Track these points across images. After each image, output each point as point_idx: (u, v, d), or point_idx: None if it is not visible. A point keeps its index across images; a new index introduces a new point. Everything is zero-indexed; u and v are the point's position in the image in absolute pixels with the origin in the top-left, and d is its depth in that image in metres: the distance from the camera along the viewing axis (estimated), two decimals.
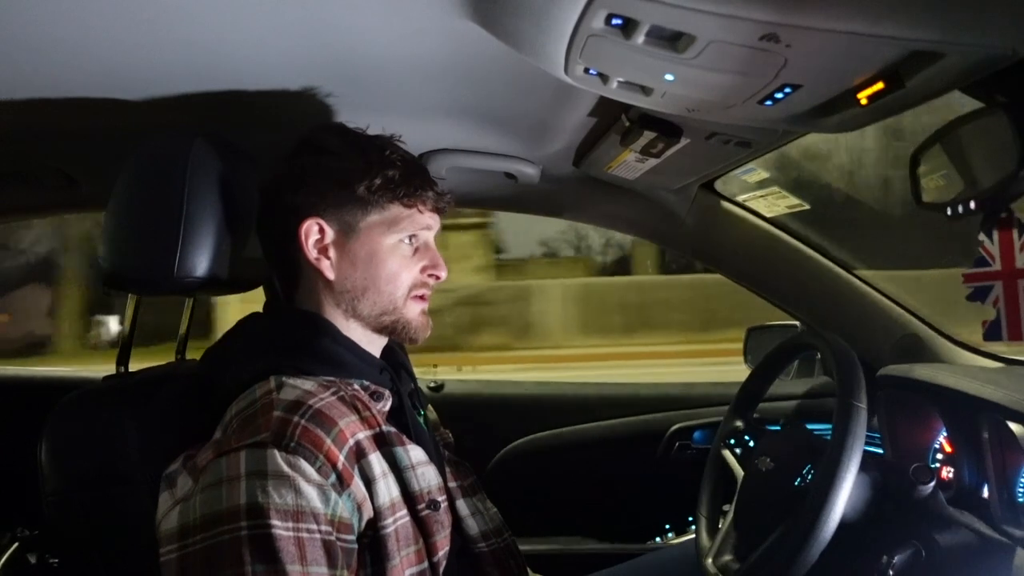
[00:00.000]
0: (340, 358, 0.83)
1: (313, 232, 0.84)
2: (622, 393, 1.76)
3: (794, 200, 1.34)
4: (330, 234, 0.84)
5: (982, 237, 0.83)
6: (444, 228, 0.95)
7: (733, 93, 0.76)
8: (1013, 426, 0.90)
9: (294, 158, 0.87)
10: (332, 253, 0.85)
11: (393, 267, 0.86)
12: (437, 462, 0.87)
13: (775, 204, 1.38)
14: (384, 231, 0.85)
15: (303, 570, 0.65)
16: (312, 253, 0.84)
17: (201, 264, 0.84)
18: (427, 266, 0.88)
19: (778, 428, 1.11)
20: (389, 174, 0.84)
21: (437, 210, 0.90)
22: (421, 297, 0.89)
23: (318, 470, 0.69)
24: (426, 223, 0.88)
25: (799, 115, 0.81)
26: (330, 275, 0.84)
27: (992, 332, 0.83)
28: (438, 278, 0.89)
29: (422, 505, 0.80)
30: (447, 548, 0.82)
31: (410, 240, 0.87)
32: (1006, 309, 0.82)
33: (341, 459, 0.72)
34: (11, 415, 1.28)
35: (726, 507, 1.08)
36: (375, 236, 0.85)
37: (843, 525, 0.83)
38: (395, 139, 0.89)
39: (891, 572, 0.86)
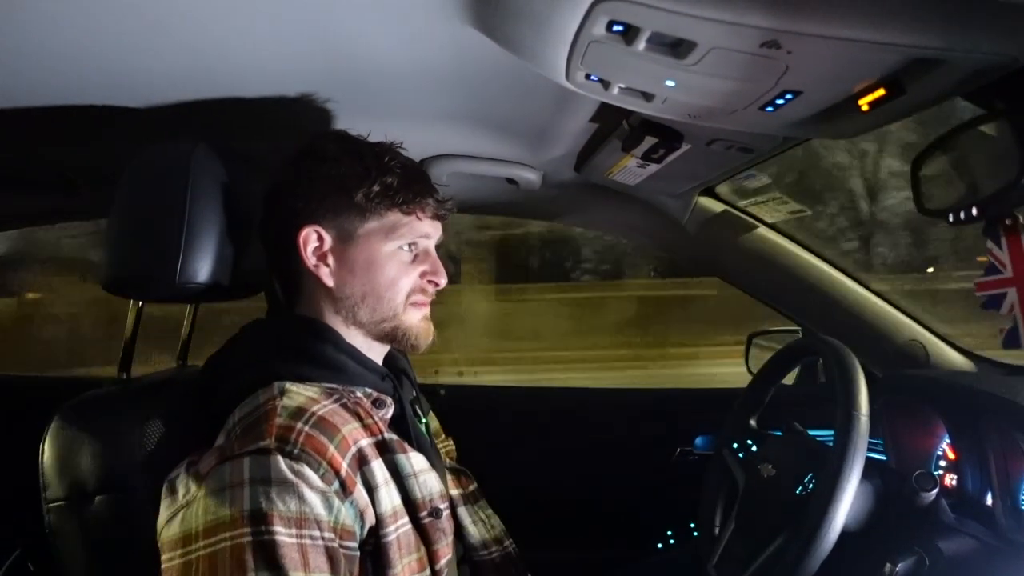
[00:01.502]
0: (342, 365, 0.82)
1: (312, 239, 0.84)
2: (625, 398, 1.75)
3: (795, 205, 1.34)
4: (328, 241, 0.84)
5: (990, 245, 0.82)
6: None
7: (734, 99, 0.76)
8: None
9: (293, 165, 0.86)
10: (331, 260, 0.84)
11: (392, 274, 0.85)
12: (439, 469, 0.86)
13: (776, 210, 1.38)
14: (382, 238, 0.85)
15: None
16: (311, 260, 0.84)
17: (203, 271, 0.84)
18: (426, 272, 0.88)
19: (780, 433, 1.11)
20: (387, 181, 0.84)
21: (438, 217, 0.90)
22: (421, 304, 0.88)
23: (321, 477, 0.69)
24: (425, 231, 0.88)
25: (800, 121, 0.81)
26: (329, 282, 0.84)
27: (1010, 339, 0.82)
28: (437, 285, 0.89)
29: (424, 513, 0.79)
30: (449, 556, 0.82)
31: (409, 247, 0.87)
32: (1023, 315, 0.81)
33: (344, 466, 0.72)
34: (12, 420, 1.28)
35: (728, 513, 1.07)
36: (373, 243, 0.85)
37: (846, 533, 0.83)
38: (396, 146, 0.89)
39: None
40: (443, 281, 0.89)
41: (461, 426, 1.13)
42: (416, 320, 0.88)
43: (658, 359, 5.51)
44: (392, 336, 0.87)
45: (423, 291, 0.88)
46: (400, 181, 0.84)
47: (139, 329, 0.98)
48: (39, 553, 1.34)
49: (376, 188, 0.83)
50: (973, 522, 0.92)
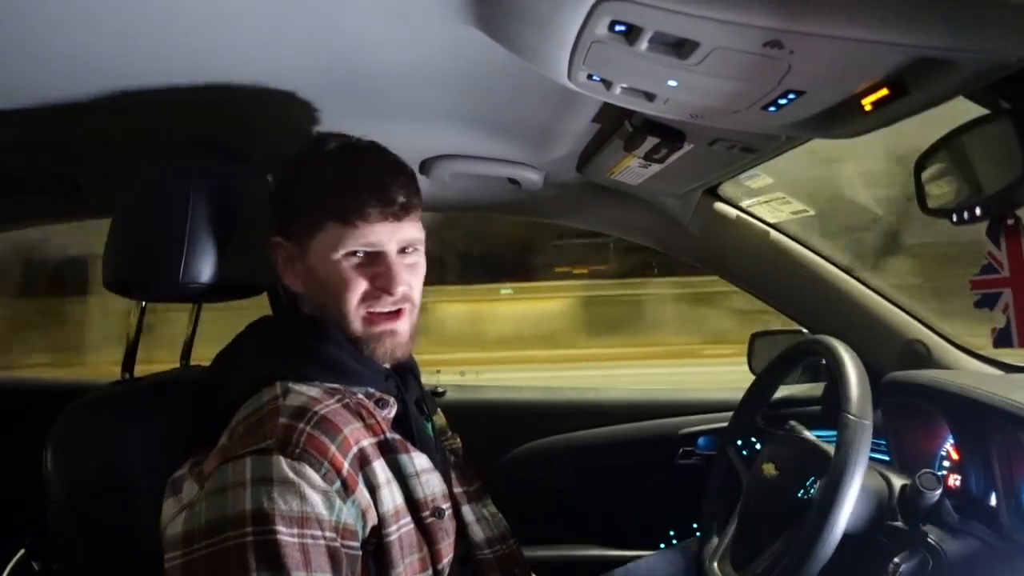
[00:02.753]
0: (345, 365, 0.82)
1: (279, 249, 0.86)
2: (627, 399, 1.75)
3: (798, 205, 1.34)
4: (292, 251, 0.85)
5: (990, 244, 0.82)
6: None
7: (737, 99, 0.76)
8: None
9: (273, 178, 0.89)
10: (295, 268, 0.85)
11: (337, 285, 0.82)
12: (442, 469, 0.87)
13: (779, 209, 1.37)
14: (328, 248, 0.81)
15: None
16: (281, 268, 0.86)
17: (206, 270, 0.85)
18: (375, 281, 0.83)
19: (783, 433, 1.11)
20: (318, 191, 0.81)
21: (393, 216, 0.82)
22: (377, 314, 0.83)
23: (323, 476, 0.70)
24: (370, 239, 0.81)
25: (803, 121, 0.81)
26: (299, 290, 0.86)
27: (1002, 339, 0.82)
28: (389, 293, 0.82)
29: (426, 512, 0.79)
30: (451, 555, 0.82)
31: (356, 255, 0.82)
32: (1016, 316, 0.81)
33: (346, 466, 0.72)
34: (16, 421, 1.28)
35: (731, 512, 1.07)
36: (320, 253, 0.82)
37: (849, 534, 0.82)
38: (357, 139, 0.86)
39: None
40: (395, 289, 0.82)
41: (464, 425, 1.13)
42: (375, 331, 0.83)
43: None
44: (363, 345, 0.84)
45: (376, 299, 0.83)
46: (334, 190, 0.81)
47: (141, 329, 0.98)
48: (42, 552, 1.35)
49: (309, 198, 0.82)
50: (977, 523, 0.92)
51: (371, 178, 0.82)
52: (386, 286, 0.82)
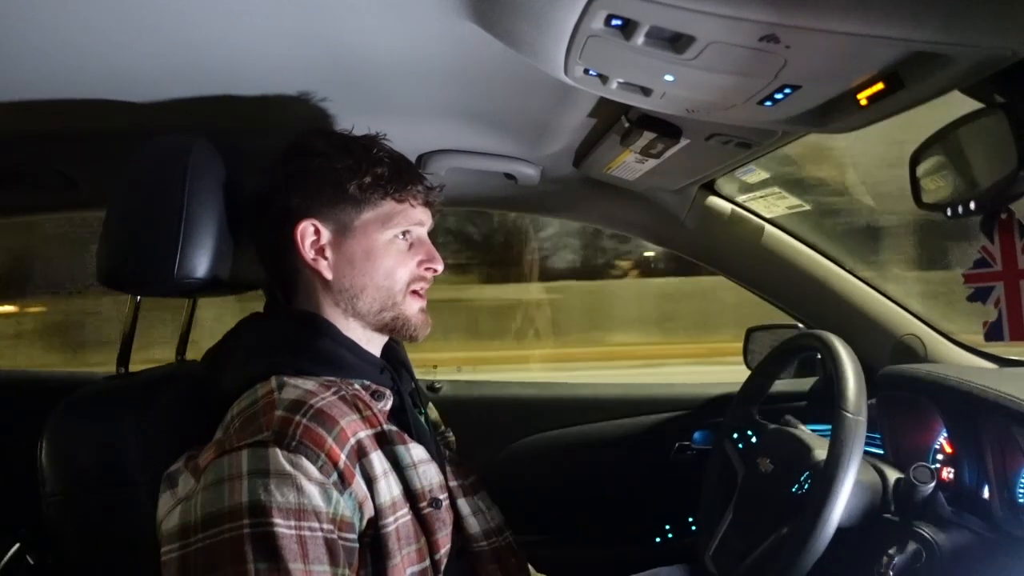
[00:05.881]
0: (340, 358, 0.83)
1: (309, 233, 0.85)
2: (622, 394, 1.75)
3: (794, 200, 1.34)
4: (326, 234, 0.85)
5: (983, 238, 0.83)
6: None
7: (733, 94, 0.76)
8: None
9: (283, 163, 0.87)
10: (329, 253, 0.85)
11: (390, 263, 0.87)
12: (438, 461, 0.87)
13: (775, 204, 1.38)
14: (379, 227, 0.86)
15: (305, 568, 0.66)
16: (309, 254, 0.85)
17: (201, 265, 0.84)
18: (423, 260, 0.89)
19: (778, 427, 1.11)
20: (378, 171, 0.85)
21: (428, 204, 0.91)
22: (419, 293, 0.90)
23: (320, 469, 0.70)
24: (419, 218, 0.89)
25: (799, 116, 0.81)
26: (328, 275, 0.85)
27: (993, 332, 0.83)
28: (435, 271, 0.91)
29: (424, 503, 0.80)
30: (448, 546, 0.82)
31: (404, 236, 0.88)
32: (1008, 309, 0.82)
33: (343, 458, 0.72)
34: (12, 415, 1.28)
35: (726, 505, 1.08)
36: (370, 233, 0.86)
37: (843, 527, 0.83)
38: (380, 137, 0.90)
39: (891, 573, 0.86)
40: (440, 267, 0.91)
41: (460, 420, 1.13)
42: (415, 310, 0.89)
43: None
44: (392, 326, 0.88)
45: (422, 279, 0.90)
46: (390, 170, 0.86)
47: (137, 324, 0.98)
48: (38, 547, 1.35)
49: (368, 179, 0.85)
50: (970, 515, 0.92)
51: (411, 164, 0.91)
52: (433, 264, 0.90)
